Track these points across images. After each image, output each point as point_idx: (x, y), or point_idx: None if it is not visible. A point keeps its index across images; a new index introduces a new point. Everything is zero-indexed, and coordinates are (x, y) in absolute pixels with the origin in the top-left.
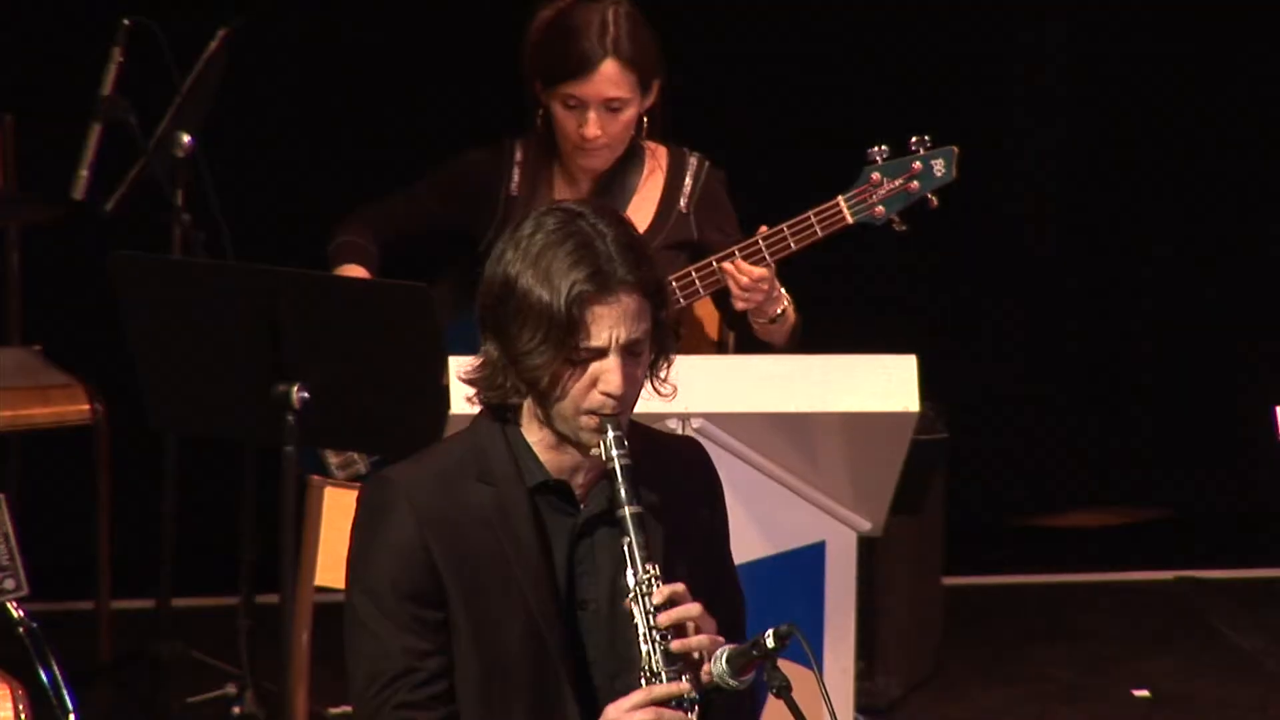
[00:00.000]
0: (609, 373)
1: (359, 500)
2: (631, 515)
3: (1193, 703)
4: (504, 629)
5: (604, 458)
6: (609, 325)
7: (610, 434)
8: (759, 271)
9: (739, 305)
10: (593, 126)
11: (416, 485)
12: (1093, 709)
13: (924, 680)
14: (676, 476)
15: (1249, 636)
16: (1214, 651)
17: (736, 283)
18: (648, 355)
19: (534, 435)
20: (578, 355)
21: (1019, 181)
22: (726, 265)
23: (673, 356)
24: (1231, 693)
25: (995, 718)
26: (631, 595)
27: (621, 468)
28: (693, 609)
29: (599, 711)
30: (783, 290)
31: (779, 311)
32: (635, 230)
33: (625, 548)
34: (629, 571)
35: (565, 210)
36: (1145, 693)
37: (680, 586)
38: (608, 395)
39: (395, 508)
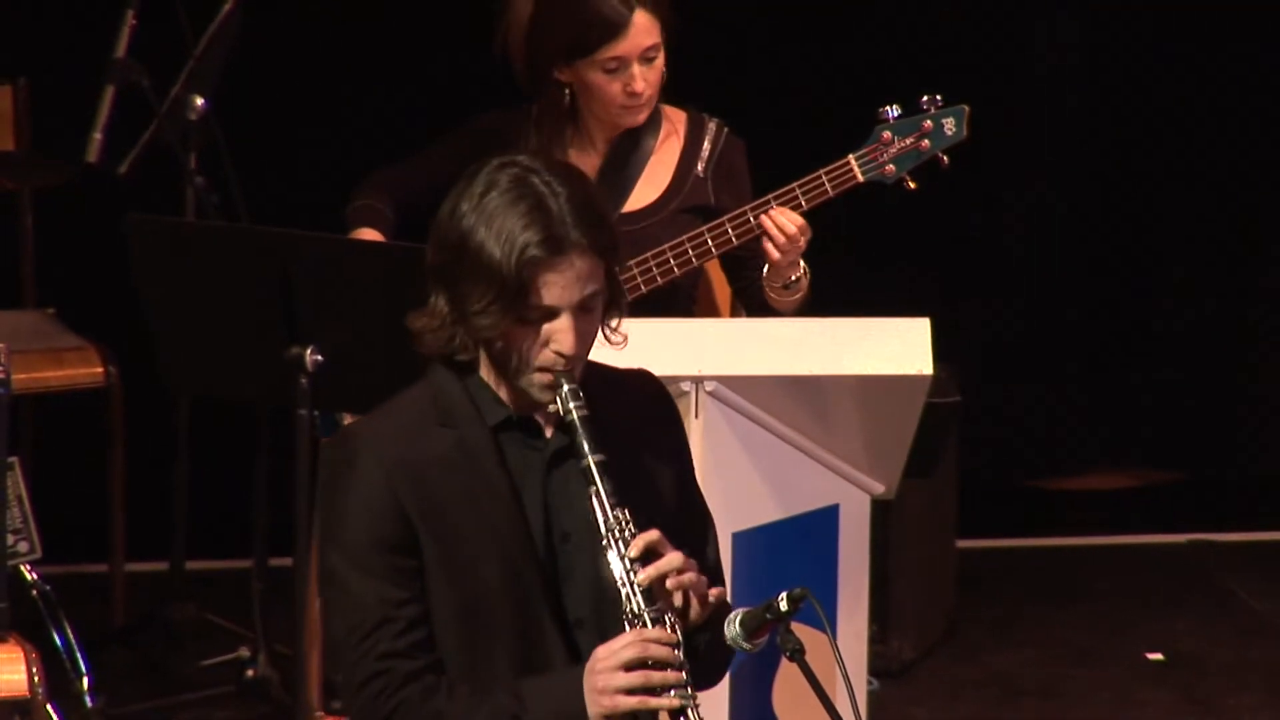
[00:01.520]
0: (561, 333)
1: (322, 457)
2: (596, 464)
3: (1206, 665)
4: (480, 570)
5: (561, 411)
6: (560, 287)
7: (565, 388)
8: (801, 220)
9: (775, 256)
10: (639, 81)
11: (379, 436)
12: (1106, 672)
13: (937, 643)
14: (635, 410)
15: (1263, 599)
16: (1228, 614)
17: (782, 231)
18: (600, 308)
19: (492, 378)
20: (529, 315)
21: (1033, 144)
22: (768, 215)
23: (624, 306)
24: (1245, 655)
25: (1008, 680)
26: (604, 542)
27: (580, 419)
28: (673, 560)
29: (582, 644)
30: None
31: (795, 278)
32: (590, 186)
33: (592, 497)
34: (599, 520)
35: (520, 165)
36: (1158, 656)
37: (655, 535)
38: (559, 354)
39: (360, 460)
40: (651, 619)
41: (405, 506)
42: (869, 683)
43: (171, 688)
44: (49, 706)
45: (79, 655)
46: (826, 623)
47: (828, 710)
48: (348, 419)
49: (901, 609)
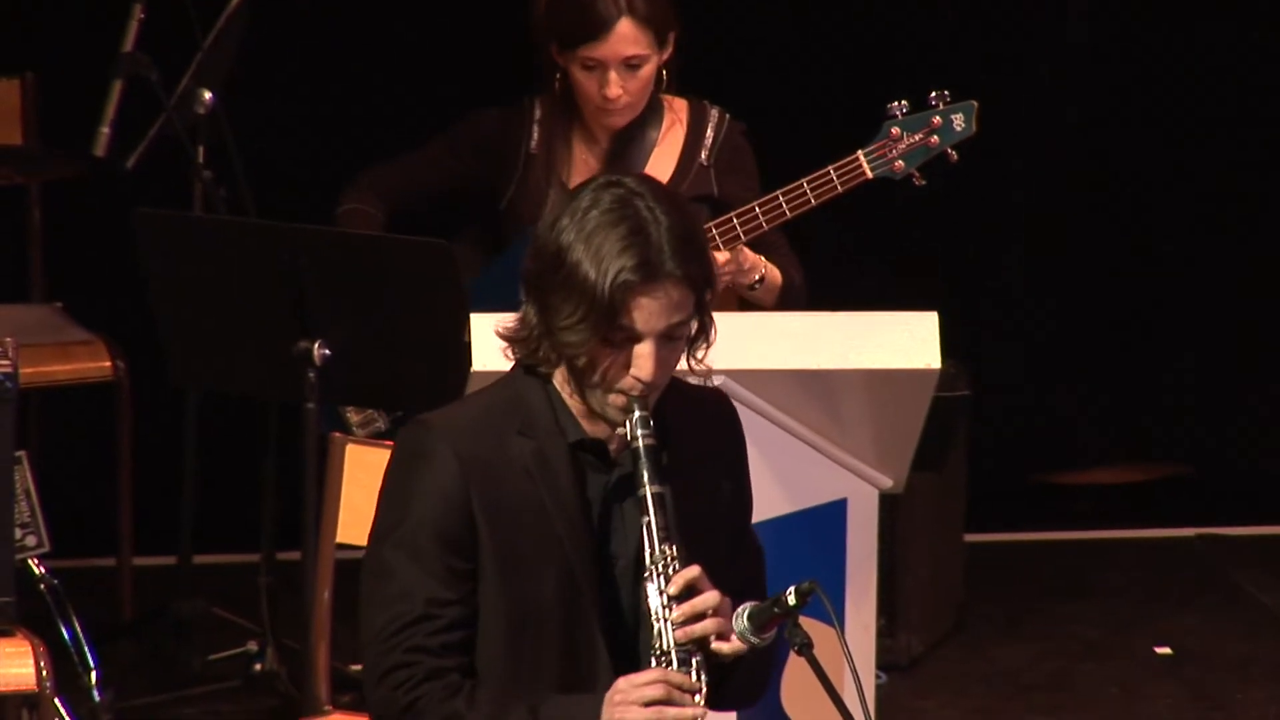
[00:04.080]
0: (643, 359)
1: (396, 444)
2: (653, 495)
3: (1214, 660)
4: (538, 580)
5: (629, 436)
6: (649, 313)
7: (637, 414)
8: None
9: None
10: (614, 87)
11: (458, 432)
12: (1114, 666)
13: (945, 637)
14: (704, 430)
15: (1271, 593)
16: (1236, 609)
17: None
18: (685, 339)
19: (568, 397)
20: (614, 337)
21: (1043, 136)
22: None
23: (713, 338)
24: (1253, 650)
25: (1016, 675)
26: (646, 574)
27: (645, 448)
28: (709, 599)
29: (627, 663)
30: (759, 259)
31: (751, 284)
32: (693, 219)
33: (644, 527)
34: (646, 551)
35: (625, 188)
36: (1167, 650)
37: (696, 572)
38: (638, 380)
39: (437, 453)
40: (679, 658)
41: (475, 506)
42: (877, 677)
43: (179, 682)
44: (57, 700)
45: (87, 649)
46: (835, 617)
47: (836, 704)
48: (350, 413)
49: (909, 603)
